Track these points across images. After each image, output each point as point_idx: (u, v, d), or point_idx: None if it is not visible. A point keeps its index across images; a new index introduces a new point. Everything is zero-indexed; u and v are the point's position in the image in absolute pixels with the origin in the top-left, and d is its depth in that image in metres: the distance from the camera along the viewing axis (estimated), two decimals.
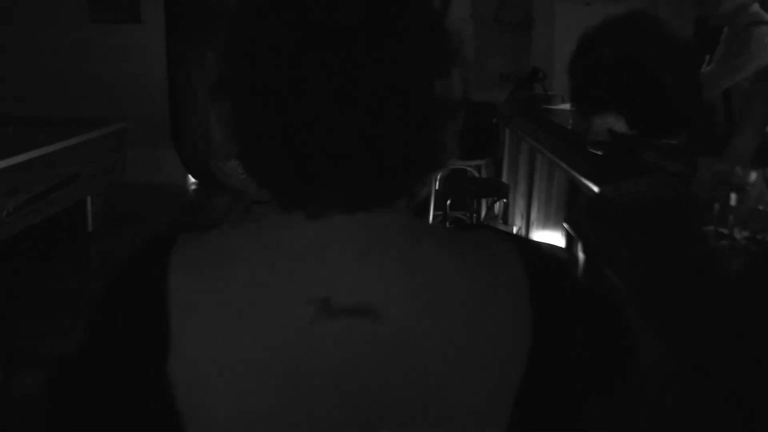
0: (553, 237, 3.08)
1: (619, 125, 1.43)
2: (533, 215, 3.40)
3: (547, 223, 3.18)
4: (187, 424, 0.56)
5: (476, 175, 3.74)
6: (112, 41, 5.32)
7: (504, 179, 3.81)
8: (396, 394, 0.55)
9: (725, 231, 1.20)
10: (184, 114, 5.73)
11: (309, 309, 0.55)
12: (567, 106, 3.51)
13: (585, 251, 1.71)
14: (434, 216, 3.69)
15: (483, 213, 2.93)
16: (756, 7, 2.52)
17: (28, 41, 5.23)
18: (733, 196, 1.16)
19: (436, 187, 3.67)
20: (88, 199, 4.03)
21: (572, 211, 1.68)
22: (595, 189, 1.62)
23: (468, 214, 3.77)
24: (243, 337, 0.56)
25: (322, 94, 0.53)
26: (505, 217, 3.11)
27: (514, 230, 3.50)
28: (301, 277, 0.56)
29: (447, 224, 3.33)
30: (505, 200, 2.95)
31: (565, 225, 1.70)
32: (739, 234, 1.18)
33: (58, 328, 2.86)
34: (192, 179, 5.84)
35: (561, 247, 2.74)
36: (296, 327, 0.55)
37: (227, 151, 0.59)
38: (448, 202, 3.15)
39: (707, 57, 4.88)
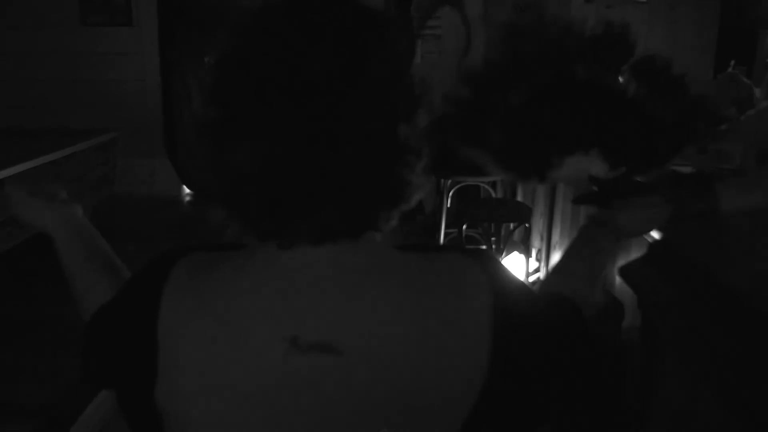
0: None
1: (596, 167, 0.91)
2: (555, 237, 3.12)
3: None
4: None
5: (491, 192, 3.46)
6: (103, 45, 5.04)
7: (519, 197, 3.53)
8: (359, 421, 0.60)
9: None
10: (179, 121, 5.47)
11: (281, 345, 0.60)
12: None
13: (644, 311, 1.44)
14: (446, 234, 3.42)
15: (503, 240, 2.67)
16: None
17: (11, 45, 4.96)
18: None
19: (447, 205, 3.40)
20: None
21: (629, 262, 1.41)
22: (655, 234, 1.34)
23: (481, 233, 3.50)
24: (223, 369, 0.61)
25: (290, 139, 0.58)
26: (526, 242, 2.83)
27: (533, 253, 3.23)
28: (274, 315, 0.62)
29: (463, 244, 3.05)
30: (527, 225, 2.68)
31: (617, 276, 1.42)
32: None
33: (40, 368, 2.60)
34: (187, 190, 5.57)
35: None
36: (271, 361, 0.60)
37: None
38: (465, 226, 2.88)
39: (732, 63, 4.58)
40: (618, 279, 1.61)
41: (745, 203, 1.20)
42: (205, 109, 0.62)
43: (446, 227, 3.42)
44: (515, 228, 2.75)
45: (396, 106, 0.60)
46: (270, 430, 0.61)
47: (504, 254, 2.98)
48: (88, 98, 5.00)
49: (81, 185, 3.63)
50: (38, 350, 2.74)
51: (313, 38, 0.58)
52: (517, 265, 2.93)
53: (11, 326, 2.96)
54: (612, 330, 1.69)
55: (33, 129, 3.93)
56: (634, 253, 1.44)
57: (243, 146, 0.59)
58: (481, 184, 3.49)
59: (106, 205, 4.13)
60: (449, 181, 3.43)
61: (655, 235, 1.35)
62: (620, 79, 0.91)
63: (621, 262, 1.46)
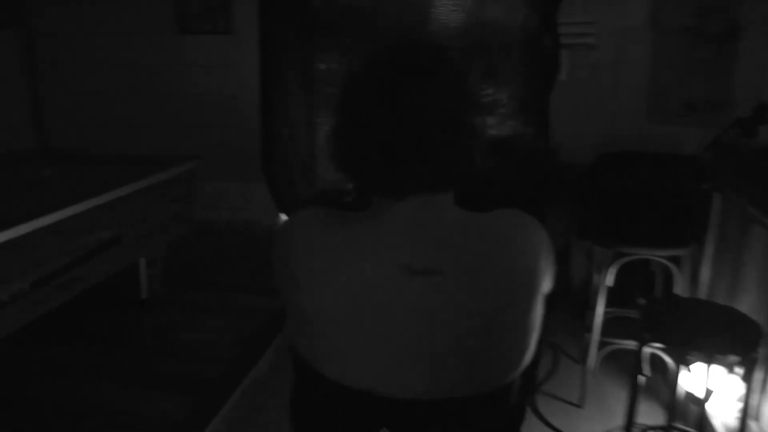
0: None
1: None
2: None
3: None
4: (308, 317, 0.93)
5: (670, 268, 2.47)
6: (198, 56, 4.50)
7: (705, 277, 2.52)
8: (454, 325, 0.88)
9: None
10: (278, 141, 4.85)
11: (396, 269, 0.88)
12: None
13: None
14: (605, 312, 2.49)
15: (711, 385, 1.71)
16: None
17: (94, 57, 4.53)
18: None
19: (609, 283, 2.47)
20: (142, 261, 3.16)
21: None
22: None
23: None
24: (344, 280, 0.89)
25: (401, 124, 0.88)
26: (749, 378, 1.81)
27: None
28: (391, 246, 0.90)
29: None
30: (754, 355, 1.69)
31: None
32: None
33: None
34: (284, 217, 4.96)
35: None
36: (386, 279, 0.88)
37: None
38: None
39: None
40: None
41: None
42: (337, 117, 0.93)
43: (606, 306, 2.51)
44: (736, 364, 1.75)
45: (469, 100, 0.94)
46: (379, 325, 0.89)
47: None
48: (180, 114, 4.49)
49: (146, 227, 3.02)
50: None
51: (406, 69, 0.92)
52: (724, 389, 1.95)
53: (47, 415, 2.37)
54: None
55: (107, 155, 3.41)
56: None
57: (369, 131, 0.89)
58: (656, 258, 2.52)
59: (188, 240, 3.54)
60: (611, 252, 2.50)
61: None
62: None
63: None
